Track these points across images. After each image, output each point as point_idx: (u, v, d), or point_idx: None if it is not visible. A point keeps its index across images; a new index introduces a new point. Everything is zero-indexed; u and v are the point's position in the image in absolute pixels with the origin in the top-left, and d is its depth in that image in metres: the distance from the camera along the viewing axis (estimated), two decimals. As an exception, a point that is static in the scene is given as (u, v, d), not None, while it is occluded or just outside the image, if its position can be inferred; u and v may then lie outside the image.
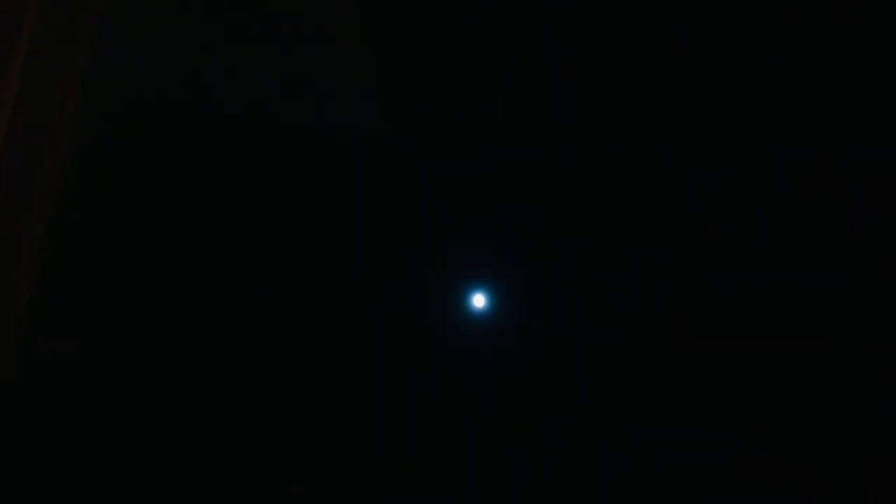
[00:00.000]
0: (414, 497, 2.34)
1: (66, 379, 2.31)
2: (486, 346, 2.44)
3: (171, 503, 2.30)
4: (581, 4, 2.33)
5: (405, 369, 2.42)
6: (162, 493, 2.30)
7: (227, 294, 2.41)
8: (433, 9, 2.41)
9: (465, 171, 2.48)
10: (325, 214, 2.46)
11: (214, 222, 2.43)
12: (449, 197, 2.46)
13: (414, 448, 2.37)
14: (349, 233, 2.46)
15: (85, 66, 1.79)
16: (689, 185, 2.49)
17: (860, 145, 2.46)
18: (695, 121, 2.52)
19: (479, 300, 2.44)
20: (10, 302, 2.08)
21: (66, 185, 2.25)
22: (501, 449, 2.39)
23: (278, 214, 2.45)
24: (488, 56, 2.51)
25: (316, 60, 2.43)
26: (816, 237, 2.45)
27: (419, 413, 2.39)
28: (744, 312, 2.45)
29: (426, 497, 2.35)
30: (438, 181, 2.46)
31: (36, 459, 2.26)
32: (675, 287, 2.45)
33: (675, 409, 2.38)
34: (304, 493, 2.33)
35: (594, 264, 2.46)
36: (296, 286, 2.43)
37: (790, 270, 2.45)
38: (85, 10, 1.76)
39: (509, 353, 2.44)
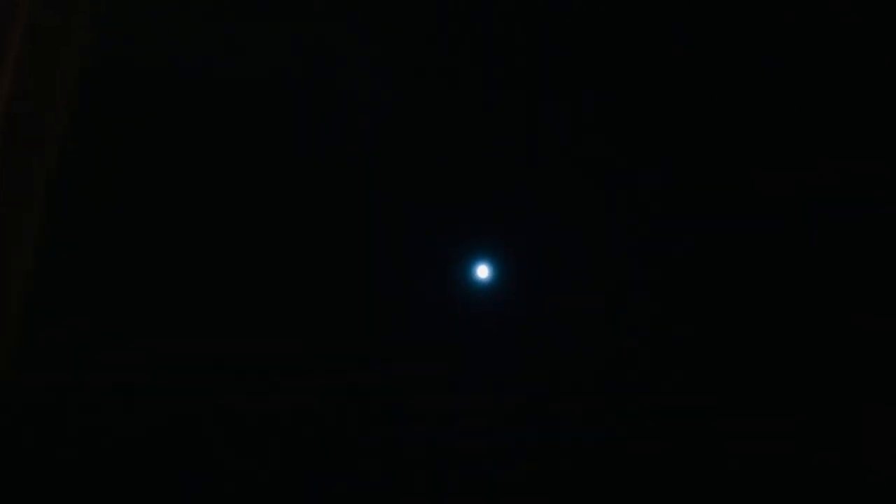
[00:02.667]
0: (416, 470, 2.34)
1: (66, 378, 2.32)
2: (490, 318, 2.43)
3: (172, 501, 2.31)
4: None
5: (408, 341, 2.41)
6: (163, 492, 2.31)
7: (230, 281, 2.41)
8: None
9: (471, 140, 2.48)
10: (330, 186, 2.46)
11: (217, 206, 2.44)
12: (452, 167, 2.46)
13: (417, 418, 2.37)
14: (353, 204, 2.46)
15: (78, 67, 1.80)
16: (697, 165, 2.48)
17: (860, 146, 2.45)
18: (698, 102, 2.52)
19: (482, 271, 2.43)
20: (9, 300, 2.09)
21: (63, 181, 2.26)
22: (505, 420, 2.39)
23: (284, 183, 2.45)
24: (497, 29, 2.51)
25: (322, 35, 2.43)
26: (817, 237, 2.44)
27: (422, 384, 2.38)
28: (748, 293, 2.44)
29: (428, 470, 2.34)
30: (444, 151, 2.46)
31: (36, 459, 2.27)
32: (682, 260, 2.44)
33: (682, 378, 2.38)
34: (304, 470, 2.34)
35: (600, 236, 2.45)
36: (300, 257, 2.43)
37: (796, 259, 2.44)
38: (76, 12, 1.76)
39: (514, 324, 2.43)
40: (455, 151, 2.49)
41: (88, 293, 2.37)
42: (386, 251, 2.45)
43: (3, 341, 2.10)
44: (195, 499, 2.31)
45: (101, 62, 2.38)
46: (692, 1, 2.52)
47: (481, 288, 2.44)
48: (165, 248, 2.42)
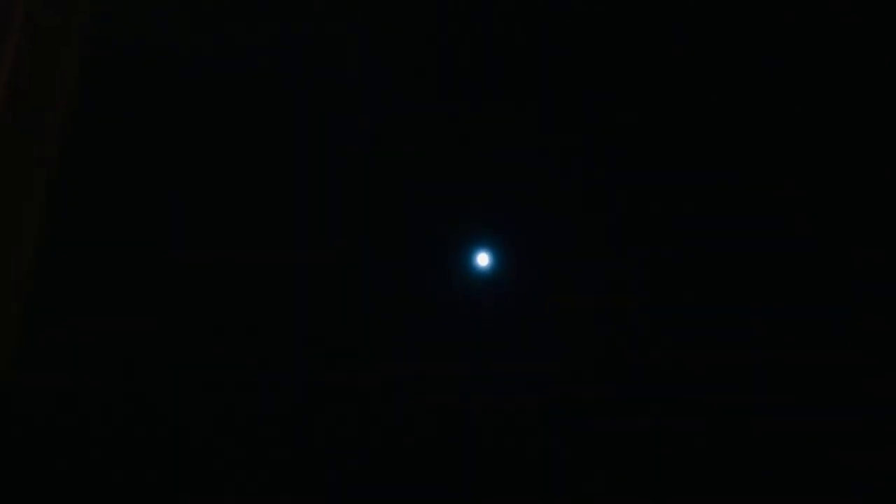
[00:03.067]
0: (417, 460, 2.34)
1: (66, 378, 2.32)
2: (490, 306, 2.42)
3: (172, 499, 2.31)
4: None
5: (408, 330, 2.41)
6: (164, 491, 2.31)
7: (230, 279, 2.41)
8: None
9: (471, 128, 2.47)
10: (330, 179, 2.46)
11: (217, 205, 2.44)
12: (451, 154, 2.46)
13: (417, 406, 2.37)
14: (354, 193, 2.46)
15: (78, 67, 1.80)
16: (697, 163, 2.48)
17: (860, 146, 2.45)
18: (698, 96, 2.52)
19: (482, 259, 2.42)
20: (9, 300, 2.09)
21: (63, 181, 2.26)
22: (504, 408, 2.38)
23: (285, 180, 2.45)
24: (498, 28, 2.51)
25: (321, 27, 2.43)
26: (817, 237, 2.44)
27: (422, 373, 2.38)
28: (748, 291, 2.44)
29: (427, 466, 2.34)
30: (443, 139, 2.46)
31: (36, 459, 2.27)
32: (683, 251, 2.44)
33: (682, 376, 2.38)
34: (306, 460, 2.34)
35: (601, 225, 2.45)
36: (300, 254, 2.43)
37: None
38: (76, 12, 1.76)
39: (514, 313, 2.43)
40: (456, 142, 2.49)
41: (88, 293, 2.37)
42: (386, 239, 2.45)
43: (3, 341, 2.10)
44: (196, 499, 2.31)
45: (101, 62, 2.38)
46: (692, 1, 2.52)
47: (481, 276, 2.44)
48: (166, 248, 2.42)
